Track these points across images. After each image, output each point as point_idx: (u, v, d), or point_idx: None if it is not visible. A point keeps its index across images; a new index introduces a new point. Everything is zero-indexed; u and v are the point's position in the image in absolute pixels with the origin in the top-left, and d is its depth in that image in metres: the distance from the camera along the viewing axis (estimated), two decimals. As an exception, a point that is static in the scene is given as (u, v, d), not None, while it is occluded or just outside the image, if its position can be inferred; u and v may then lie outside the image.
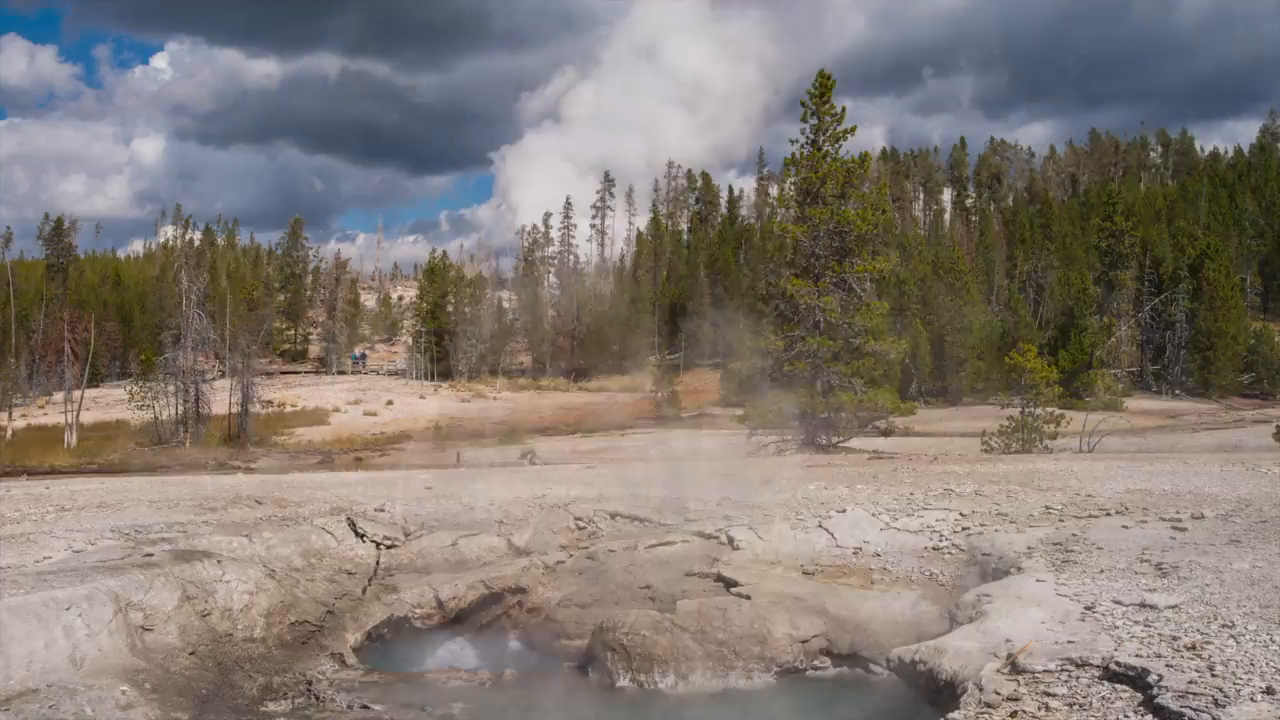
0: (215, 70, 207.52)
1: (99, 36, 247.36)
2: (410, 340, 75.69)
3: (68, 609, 5.53)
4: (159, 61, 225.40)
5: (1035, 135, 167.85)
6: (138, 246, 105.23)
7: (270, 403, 47.29)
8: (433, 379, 68.29)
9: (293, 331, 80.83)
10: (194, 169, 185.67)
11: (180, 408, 40.46)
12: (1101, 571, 6.09)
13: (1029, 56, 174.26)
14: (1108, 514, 7.97)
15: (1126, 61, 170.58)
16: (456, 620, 7.61)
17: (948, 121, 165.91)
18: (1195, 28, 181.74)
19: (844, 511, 8.60)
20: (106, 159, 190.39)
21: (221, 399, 42.46)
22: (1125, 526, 7.40)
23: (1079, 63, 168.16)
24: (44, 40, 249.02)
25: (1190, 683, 4.04)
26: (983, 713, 4.20)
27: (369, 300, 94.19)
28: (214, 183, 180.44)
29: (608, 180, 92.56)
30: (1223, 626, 4.76)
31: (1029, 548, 6.95)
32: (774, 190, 67.72)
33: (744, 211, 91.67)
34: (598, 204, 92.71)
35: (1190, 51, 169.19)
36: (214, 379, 50.15)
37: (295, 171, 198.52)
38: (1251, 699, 3.83)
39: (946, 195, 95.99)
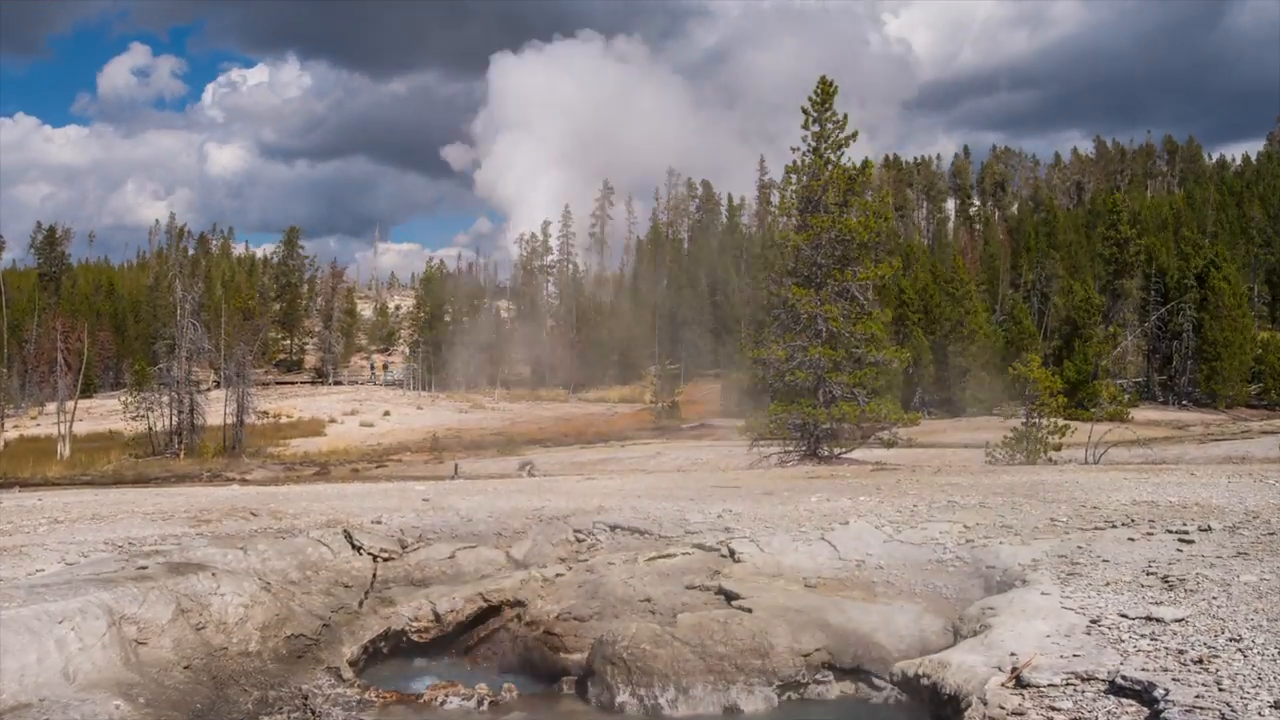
0: (312, 88, 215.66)
1: (219, 55, 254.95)
2: (407, 350, 75.49)
3: (60, 622, 5.48)
4: (256, 77, 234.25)
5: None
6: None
7: (266, 413, 47.26)
8: (430, 389, 68.11)
9: (289, 341, 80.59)
10: (258, 180, 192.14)
11: (175, 418, 40.40)
12: (1107, 584, 6.02)
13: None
14: (1113, 526, 7.89)
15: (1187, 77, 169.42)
16: (454, 633, 7.54)
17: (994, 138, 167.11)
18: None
19: (846, 524, 8.52)
20: (179, 169, 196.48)
21: (216, 410, 42.42)
22: (1131, 539, 7.32)
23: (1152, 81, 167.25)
24: (167, 52, 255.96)
25: (1197, 697, 3.99)
26: (986, 729, 4.14)
27: (366, 310, 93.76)
28: (274, 193, 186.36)
29: (607, 188, 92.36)
30: (1230, 640, 4.70)
31: (1034, 560, 6.87)
32: (775, 198, 67.68)
33: (745, 219, 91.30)
34: (597, 212, 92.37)
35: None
36: (209, 389, 50.18)
37: (360, 182, 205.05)
38: (1259, 714, 3.77)
39: (950, 203, 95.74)
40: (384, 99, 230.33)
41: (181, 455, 38.89)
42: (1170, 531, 7.43)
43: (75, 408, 44.46)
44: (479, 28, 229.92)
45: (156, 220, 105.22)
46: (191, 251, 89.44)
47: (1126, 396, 43.81)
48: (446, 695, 6.44)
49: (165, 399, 40.37)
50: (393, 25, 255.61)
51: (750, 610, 6.72)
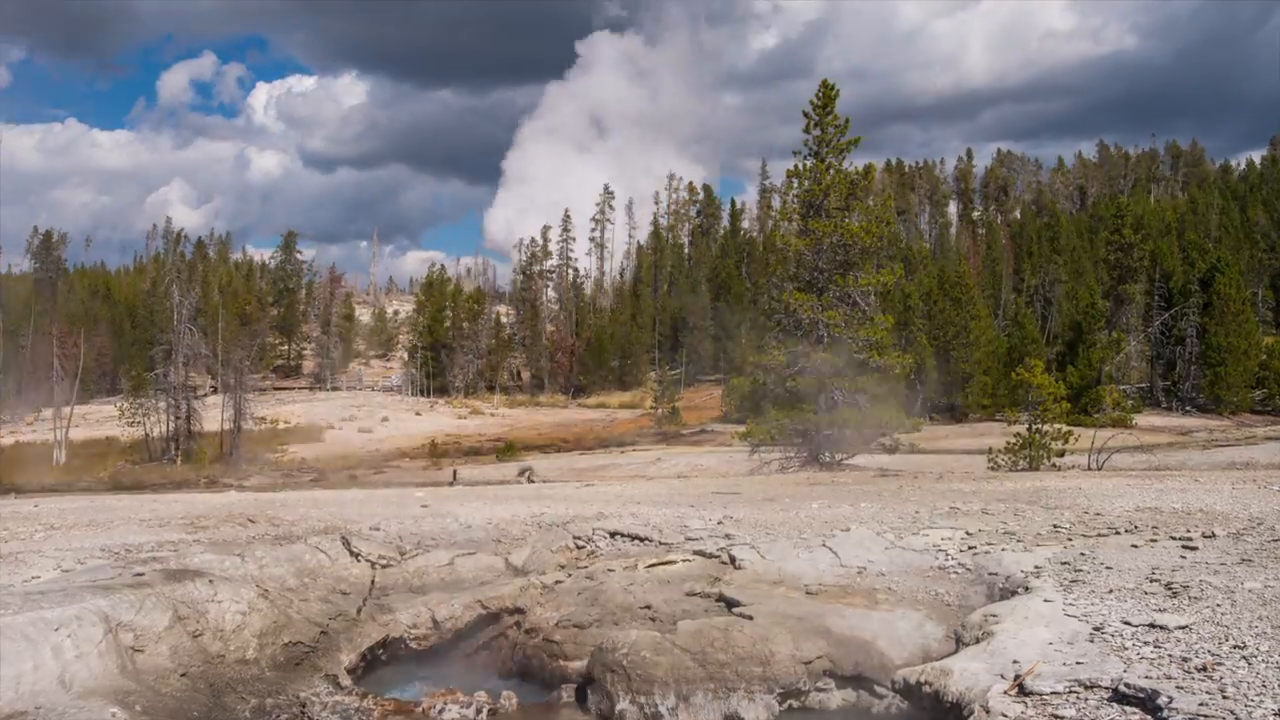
0: (361, 97, 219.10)
1: (280, 66, 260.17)
2: (406, 356, 75.14)
3: (57, 630, 5.46)
4: (307, 86, 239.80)
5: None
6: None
7: (263, 419, 47.15)
8: (429, 395, 67.88)
9: (286, 347, 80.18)
10: (293, 186, 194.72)
11: (171, 425, 40.30)
12: (1110, 591, 5.98)
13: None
14: (1117, 533, 7.84)
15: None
16: (453, 641, 7.50)
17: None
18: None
19: (848, 530, 8.48)
20: (220, 176, 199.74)
21: (214, 415, 42.33)
22: (1135, 545, 7.28)
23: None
24: (232, 61, 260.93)
25: (1201, 705, 3.95)
26: (988, 738, 4.10)
27: (364, 315, 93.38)
28: (306, 200, 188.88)
29: (607, 192, 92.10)
30: (1234, 648, 4.67)
31: (1036, 567, 6.83)
32: (776, 202, 67.64)
33: (746, 224, 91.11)
34: (597, 216, 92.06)
35: None
36: (206, 395, 50.10)
37: (393, 189, 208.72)
38: (1265, 723, 3.73)
39: (953, 208, 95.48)
40: (429, 108, 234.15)
41: (178, 461, 38.82)
42: (1174, 538, 7.39)
43: (71, 414, 44.42)
44: (529, 42, 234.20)
45: (154, 225, 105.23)
46: (189, 256, 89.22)
47: (1130, 402, 43.63)
48: (445, 703, 6.40)
49: (162, 405, 40.29)
50: (445, 38, 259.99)
51: (751, 617, 6.68)
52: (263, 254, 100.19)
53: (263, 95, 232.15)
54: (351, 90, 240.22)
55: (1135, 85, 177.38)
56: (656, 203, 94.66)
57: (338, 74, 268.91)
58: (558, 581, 7.91)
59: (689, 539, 8.65)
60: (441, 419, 58.34)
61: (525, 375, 75.65)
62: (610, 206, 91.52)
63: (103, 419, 50.60)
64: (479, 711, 6.35)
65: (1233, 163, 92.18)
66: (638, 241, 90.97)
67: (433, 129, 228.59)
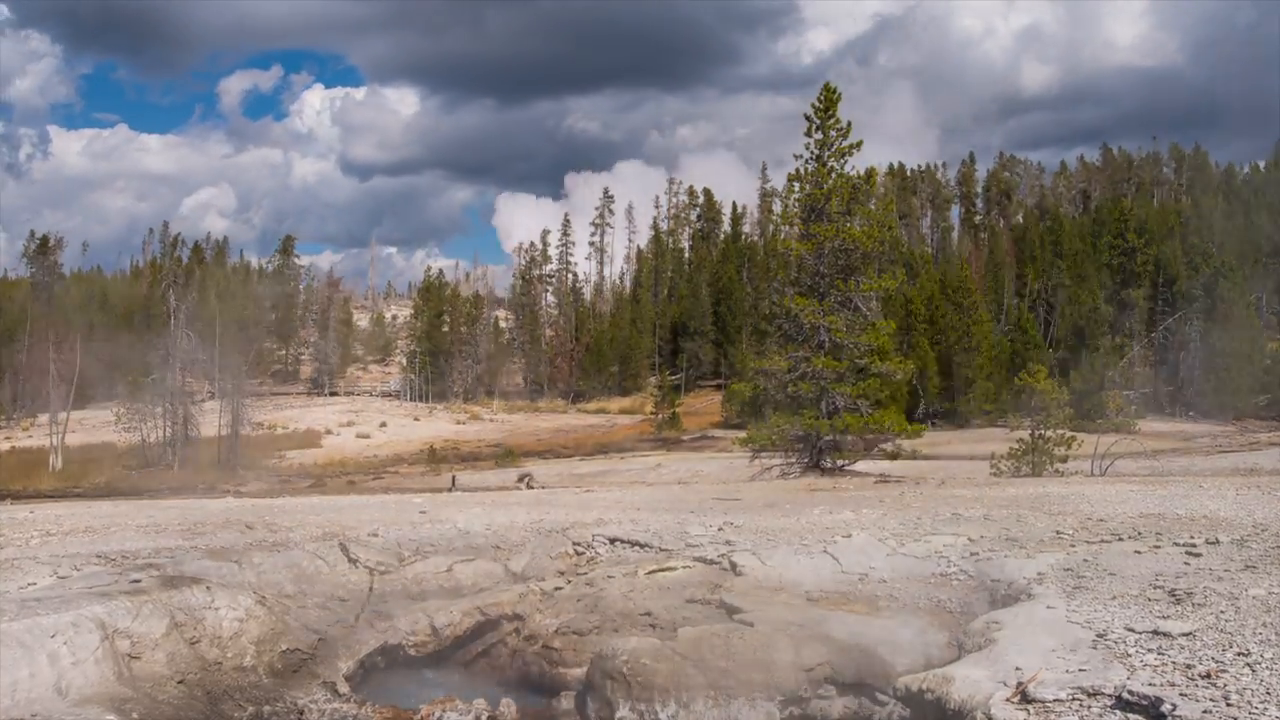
0: (410, 107, 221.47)
1: (338, 76, 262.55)
2: (404, 361, 74.90)
3: (53, 636, 5.44)
4: (357, 96, 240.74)
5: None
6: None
7: (261, 425, 47.01)
8: (427, 400, 67.72)
9: (284, 352, 79.81)
10: (327, 193, 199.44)
11: (168, 430, 40.15)
12: (1114, 598, 5.94)
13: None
14: (1120, 539, 7.80)
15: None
16: (452, 648, 7.46)
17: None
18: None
19: (849, 537, 8.45)
20: (259, 182, 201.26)
21: (211, 421, 42.24)
22: (1138, 552, 7.24)
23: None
24: (295, 70, 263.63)
25: (1205, 712, 3.92)
26: (990, 746, 4.06)
27: (362, 320, 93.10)
28: (335, 207, 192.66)
29: (607, 196, 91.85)
30: (1238, 655, 4.63)
31: (1039, 574, 6.80)
32: (777, 206, 67.55)
33: (748, 228, 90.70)
34: (597, 220, 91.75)
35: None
36: (203, 401, 49.95)
37: (425, 196, 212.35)
38: (1270, 731, 3.69)
39: (955, 212, 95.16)
40: (473, 118, 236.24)
41: (175, 467, 38.71)
42: (1177, 544, 7.35)
43: (68, 419, 44.35)
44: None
45: (150, 229, 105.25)
46: (185, 261, 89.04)
47: (1133, 408, 43.53)
48: (444, 710, 6.37)
49: (159, 410, 40.14)
50: (504, 54, 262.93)
51: (752, 624, 6.65)
52: (261, 259, 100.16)
53: (314, 103, 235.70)
54: (402, 100, 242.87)
55: (1176, 97, 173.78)
56: (656, 207, 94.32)
57: (392, 84, 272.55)
58: (557, 588, 7.88)
59: (689, 545, 8.62)
60: (440, 424, 58.31)
61: (524, 381, 75.49)
62: (610, 210, 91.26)
63: (99, 424, 50.51)
64: (478, 719, 6.32)
65: (1237, 165, 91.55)
66: (638, 246, 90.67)
67: (477, 138, 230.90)
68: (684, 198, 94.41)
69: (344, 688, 6.55)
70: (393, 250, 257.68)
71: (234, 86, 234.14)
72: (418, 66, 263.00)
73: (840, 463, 20.22)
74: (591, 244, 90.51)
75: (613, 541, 8.96)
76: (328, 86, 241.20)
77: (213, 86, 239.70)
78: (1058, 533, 8.24)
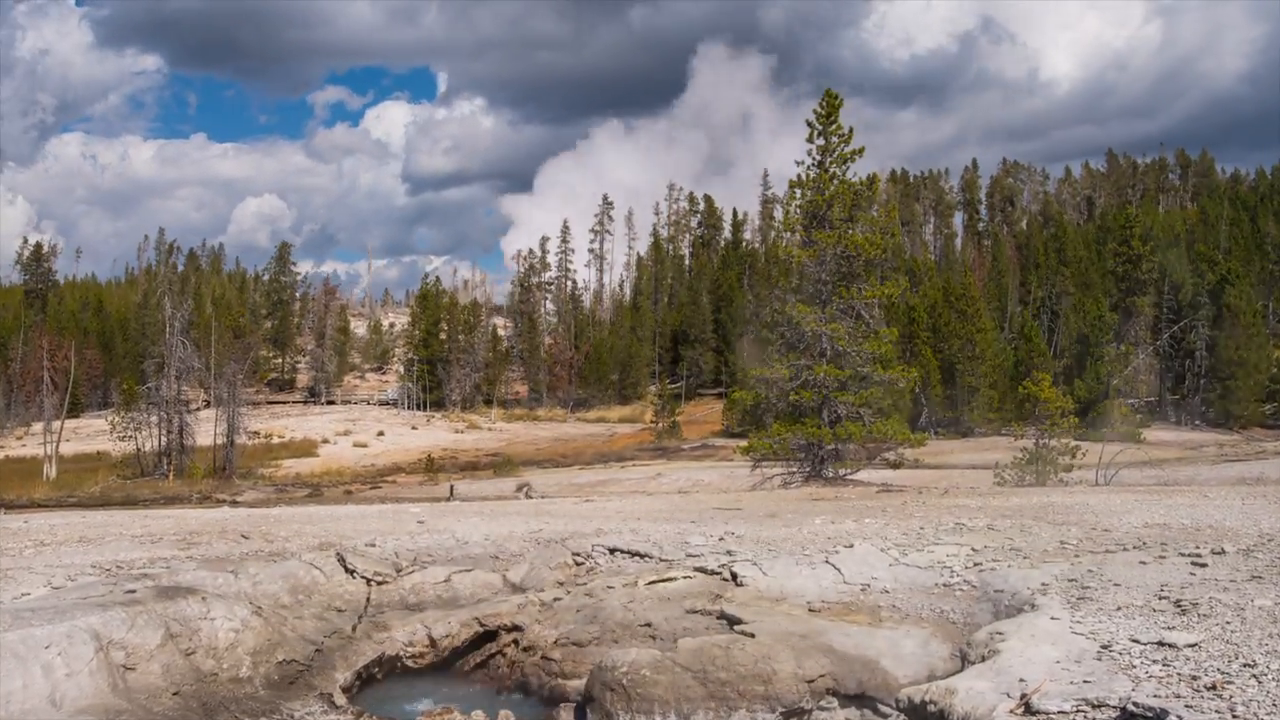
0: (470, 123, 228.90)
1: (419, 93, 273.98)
2: (402, 369, 74.56)
3: (47, 647, 5.40)
4: (427, 113, 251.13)
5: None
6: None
7: (257, 434, 46.89)
8: (425, 409, 67.42)
9: (280, 360, 79.52)
10: (372, 204, 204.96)
11: (164, 439, 39.98)
12: (1118, 608, 5.88)
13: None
14: (1125, 549, 7.73)
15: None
16: (450, 659, 7.41)
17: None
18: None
19: (851, 547, 8.38)
20: (310, 191, 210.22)
21: (206, 430, 42.12)
22: (1143, 562, 7.17)
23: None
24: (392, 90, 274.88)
25: (1212, 727, 3.86)
26: (992, 760, 4.00)
27: (359, 327, 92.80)
28: (375, 216, 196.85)
29: (607, 203, 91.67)
30: (1244, 666, 4.58)
31: (1043, 584, 6.74)
32: (779, 213, 67.49)
33: (749, 235, 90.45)
34: (596, 227, 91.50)
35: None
36: (199, 409, 49.89)
37: (468, 207, 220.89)
38: (1278, 746, 3.63)
39: (958, 219, 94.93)
40: (530, 135, 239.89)
41: (171, 476, 38.59)
42: (1183, 554, 7.28)
43: (62, 428, 44.34)
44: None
45: (145, 236, 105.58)
46: (181, 268, 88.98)
47: (1139, 416, 43.24)
48: (441, 722, 6.30)
49: (154, 419, 39.96)
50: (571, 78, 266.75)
51: (753, 635, 6.59)
52: (257, 266, 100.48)
53: (385, 117, 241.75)
54: (473, 116, 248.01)
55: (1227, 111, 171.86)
56: (656, 213, 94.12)
57: (468, 99, 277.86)
58: (556, 599, 7.82)
59: (690, 555, 8.56)
60: (438, 433, 58.16)
61: (523, 389, 75.26)
62: (610, 217, 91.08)
63: (94, 433, 50.51)
64: (475, 731, 6.25)
65: (1242, 171, 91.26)
66: (637, 253, 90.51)
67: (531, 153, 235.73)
68: (684, 204, 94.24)
69: (341, 699, 6.49)
70: (437, 261, 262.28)
71: (320, 101, 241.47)
72: (493, 83, 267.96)
73: (842, 472, 20.14)
74: (591, 251, 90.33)
75: (612, 552, 8.90)
76: (413, 100, 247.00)
77: (303, 102, 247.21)
78: (1062, 543, 8.17)
